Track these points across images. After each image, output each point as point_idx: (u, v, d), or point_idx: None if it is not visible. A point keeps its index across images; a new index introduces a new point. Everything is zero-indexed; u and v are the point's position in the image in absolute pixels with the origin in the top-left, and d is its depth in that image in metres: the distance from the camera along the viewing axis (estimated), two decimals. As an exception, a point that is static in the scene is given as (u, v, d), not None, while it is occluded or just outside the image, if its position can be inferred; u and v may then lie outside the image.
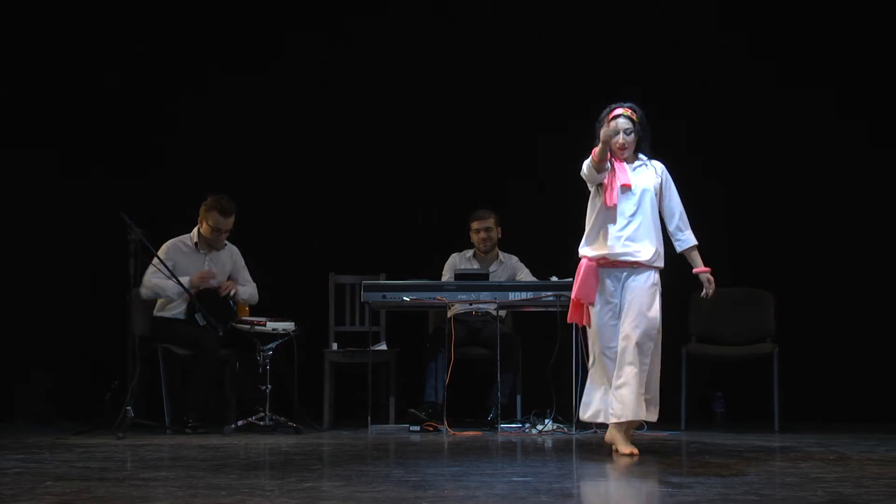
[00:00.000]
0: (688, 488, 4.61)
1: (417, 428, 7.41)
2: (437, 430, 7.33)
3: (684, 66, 8.51)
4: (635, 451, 5.85)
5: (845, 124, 8.40)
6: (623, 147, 5.97)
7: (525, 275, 7.92)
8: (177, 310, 7.56)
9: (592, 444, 6.12)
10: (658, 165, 6.09)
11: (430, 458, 5.89)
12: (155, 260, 7.33)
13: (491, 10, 8.67)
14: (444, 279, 7.91)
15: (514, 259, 8.04)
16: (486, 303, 7.53)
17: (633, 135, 5.97)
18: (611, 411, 5.92)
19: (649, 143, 6.06)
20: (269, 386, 7.16)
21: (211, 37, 8.69)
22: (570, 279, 7.12)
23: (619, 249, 5.92)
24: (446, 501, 4.28)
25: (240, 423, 7.16)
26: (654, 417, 6.00)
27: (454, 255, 8.10)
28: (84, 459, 5.64)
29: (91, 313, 8.29)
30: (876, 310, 8.28)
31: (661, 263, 6.02)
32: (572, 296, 6.09)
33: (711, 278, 6.17)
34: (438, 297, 7.43)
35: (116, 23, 8.62)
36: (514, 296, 7.35)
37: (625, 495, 4.62)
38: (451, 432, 7.14)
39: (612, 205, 5.91)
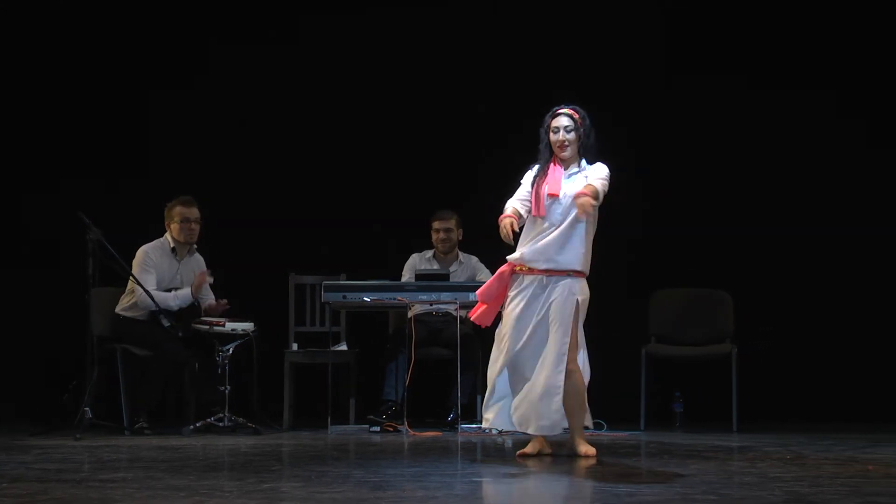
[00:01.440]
0: (647, 488, 4.62)
1: (377, 428, 7.41)
2: (397, 430, 7.32)
3: (635, 64, 8.56)
4: (543, 449, 5.85)
5: (803, 124, 8.46)
6: (563, 145, 5.82)
7: (485, 275, 7.91)
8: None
9: (553, 444, 6.12)
10: (595, 167, 5.85)
11: (390, 458, 5.89)
12: (138, 275, 7.31)
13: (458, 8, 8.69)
14: (404, 279, 7.90)
15: (475, 259, 8.05)
16: (446, 303, 7.53)
17: (573, 133, 5.82)
18: (541, 423, 5.77)
19: (594, 149, 5.89)
20: (227, 387, 7.13)
21: (172, 40, 8.67)
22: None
23: (538, 257, 5.77)
24: (406, 502, 4.27)
25: (198, 424, 7.13)
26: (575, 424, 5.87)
27: (414, 255, 8.10)
28: (41, 461, 5.60)
29: (49, 313, 8.22)
30: (833, 311, 8.34)
31: (585, 270, 5.85)
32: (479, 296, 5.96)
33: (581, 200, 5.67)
34: (399, 298, 7.42)
35: (83, 21, 8.59)
36: (474, 296, 7.32)
37: (584, 495, 4.64)
38: (412, 433, 7.14)
39: (538, 215, 5.76)
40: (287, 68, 8.75)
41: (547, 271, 5.78)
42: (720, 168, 8.50)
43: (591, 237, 5.88)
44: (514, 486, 4.98)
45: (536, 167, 5.89)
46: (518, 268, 5.84)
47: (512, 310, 5.83)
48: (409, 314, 7.65)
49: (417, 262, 8.01)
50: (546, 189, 5.78)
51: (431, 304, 7.65)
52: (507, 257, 5.88)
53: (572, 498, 4.51)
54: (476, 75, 8.63)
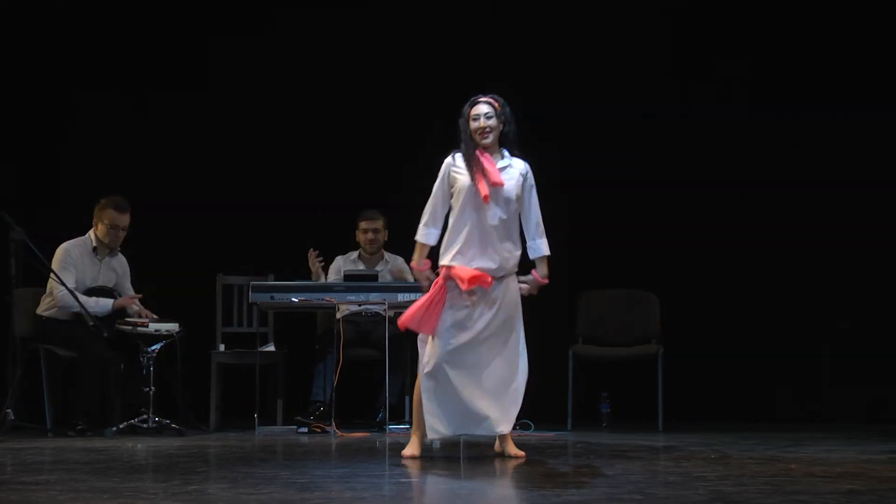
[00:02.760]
0: (573, 488, 4.65)
1: (305, 429, 7.39)
2: (324, 431, 7.30)
3: (561, 61, 8.63)
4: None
5: (724, 121, 8.57)
6: (485, 132, 5.72)
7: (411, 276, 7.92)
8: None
9: (482, 446, 6.15)
10: (522, 165, 5.81)
11: (317, 459, 5.88)
12: (58, 272, 7.21)
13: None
14: (329, 281, 7.88)
15: (400, 260, 8.02)
16: (375, 304, 7.52)
17: (493, 119, 5.74)
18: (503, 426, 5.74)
19: (516, 141, 5.84)
20: (152, 388, 7.06)
21: (100, 39, 8.59)
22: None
23: (486, 263, 5.69)
24: (333, 503, 4.26)
25: (122, 425, 7.06)
26: (506, 429, 5.81)
27: (338, 257, 8.05)
28: (-38, 463, 5.52)
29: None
30: (756, 311, 8.45)
31: (516, 268, 5.84)
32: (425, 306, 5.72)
33: (538, 286, 5.90)
34: (327, 299, 7.41)
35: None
36: (403, 297, 7.35)
37: (511, 496, 4.65)
38: (339, 433, 7.12)
39: (487, 201, 5.63)
40: (208, 70, 8.71)
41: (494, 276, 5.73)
42: (645, 169, 8.56)
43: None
44: (443, 487, 4.98)
45: (455, 157, 5.79)
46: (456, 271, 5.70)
47: (458, 312, 5.72)
48: (338, 315, 7.64)
49: (342, 265, 7.97)
50: (489, 179, 5.67)
51: (360, 305, 7.64)
52: (448, 265, 5.72)
53: (500, 499, 4.53)
54: (403, 78, 8.64)
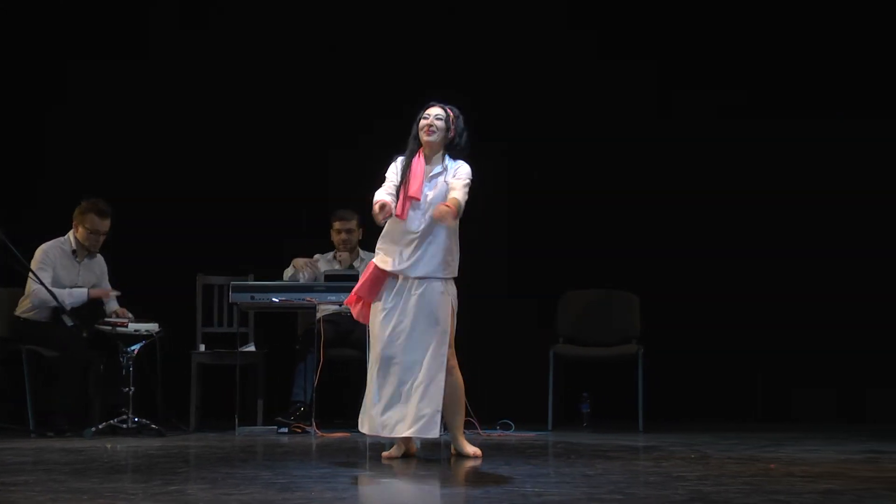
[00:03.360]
0: (554, 488, 4.66)
1: (285, 429, 7.38)
2: (305, 431, 7.30)
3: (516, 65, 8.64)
4: (409, 451, 5.85)
5: (698, 122, 8.60)
6: (430, 129, 5.74)
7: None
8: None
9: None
10: (456, 166, 5.79)
11: (298, 459, 5.87)
12: (36, 272, 7.18)
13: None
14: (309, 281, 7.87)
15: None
16: (355, 304, 7.50)
17: (442, 121, 5.74)
18: (419, 425, 5.68)
19: (464, 150, 5.82)
20: (132, 388, 7.04)
21: (70, 33, 8.56)
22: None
23: (403, 266, 5.72)
24: (314, 503, 4.26)
25: (101, 425, 7.04)
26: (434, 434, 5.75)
27: (317, 256, 8.04)
28: (-60, 464, 5.49)
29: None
30: (736, 311, 8.47)
31: (452, 273, 5.83)
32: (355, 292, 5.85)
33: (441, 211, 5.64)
34: (308, 299, 7.40)
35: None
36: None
37: (490, 496, 4.65)
38: (320, 434, 7.12)
39: (400, 216, 5.71)
40: (188, 68, 8.69)
41: (415, 278, 5.76)
42: (625, 169, 8.58)
43: (456, 238, 5.83)
44: (421, 487, 4.99)
45: (401, 159, 5.83)
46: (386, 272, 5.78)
47: (381, 312, 5.76)
48: (318, 315, 7.63)
49: (321, 264, 7.96)
50: (407, 190, 5.73)
51: (341, 305, 7.62)
52: (374, 260, 5.83)
53: (479, 498, 4.53)
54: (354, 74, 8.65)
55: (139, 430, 7.05)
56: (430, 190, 5.76)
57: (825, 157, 8.43)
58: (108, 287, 7.59)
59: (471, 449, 5.88)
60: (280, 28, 8.72)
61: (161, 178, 8.53)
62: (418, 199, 5.72)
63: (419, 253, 5.74)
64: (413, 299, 5.74)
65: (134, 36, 8.66)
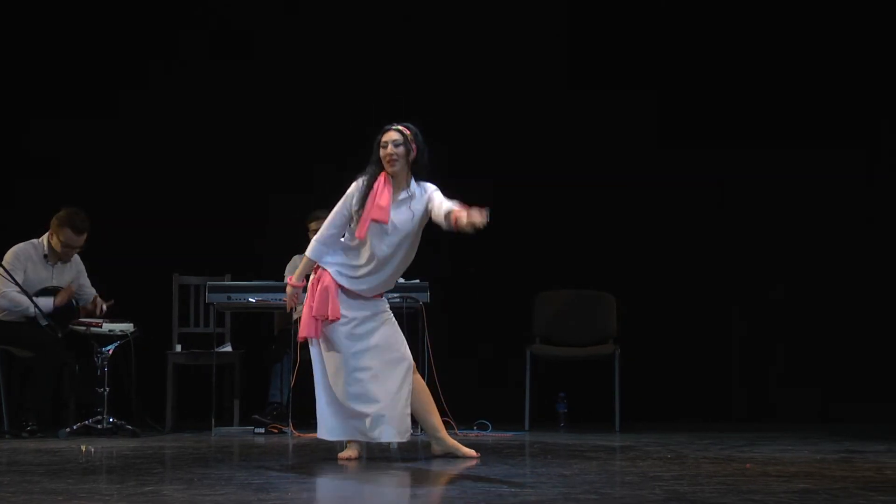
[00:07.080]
0: (530, 488, 4.66)
1: (262, 430, 7.36)
2: (281, 431, 7.29)
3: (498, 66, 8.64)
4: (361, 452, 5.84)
5: (674, 127, 8.63)
6: (391, 159, 5.64)
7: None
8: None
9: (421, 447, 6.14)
10: (424, 191, 5.70)
11: (274, 460, 5.85)
12: (6, 269, 7.13)
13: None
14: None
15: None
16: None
17: (402, 147, 5.65)
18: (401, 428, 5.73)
19: (427, 169, 5.75)
20: (106, 388, 7.01)
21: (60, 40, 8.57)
22: (417, 281, 7.18)
23: (361, 287, 5.74)
24: (290, 504, 4.25)
25: (76, 426, 7.01)
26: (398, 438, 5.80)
27: (295, 256, 8.01)
28: (-87, 465, 5.45)
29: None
30: (710, 312, 8.52)
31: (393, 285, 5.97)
32: (311, 312, 5.78)
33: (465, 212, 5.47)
34: (284, 299, 7.36)
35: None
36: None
37: (467, 495, 4.65)
38: (296, 434, 7.10)
39: (360, 237, 5.67)
40: (161, 71, 8.71)
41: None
42: (601, 169, 8.59)
43: (413, 254, 5.82)
44: (399, 486, 4.98)
45: (362, 179, 5.74)
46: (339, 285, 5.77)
47: (343, 323, 5.75)
48: (295, 315, 7.61)
49: (299, 263, 7.93)
50: (371, 214, 5.65)
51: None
52: (326, 266, 5.80)
53: (456, 498, 4.53)
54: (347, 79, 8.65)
55: (114, 431, 7.02)
56: (395, 216, 5.67)
57: (806, 154, 8.49)
58: (90, 288, 7.55)
59: (467, 450, 5.86)
60: (270, 38, 8.76)
61: (137, 178, 8.52)
62: (385, 223, 5.64)
63: (378, 275, 5.72)
64: (371, 308, 5.76)
65: (124, 38, 8.69)
